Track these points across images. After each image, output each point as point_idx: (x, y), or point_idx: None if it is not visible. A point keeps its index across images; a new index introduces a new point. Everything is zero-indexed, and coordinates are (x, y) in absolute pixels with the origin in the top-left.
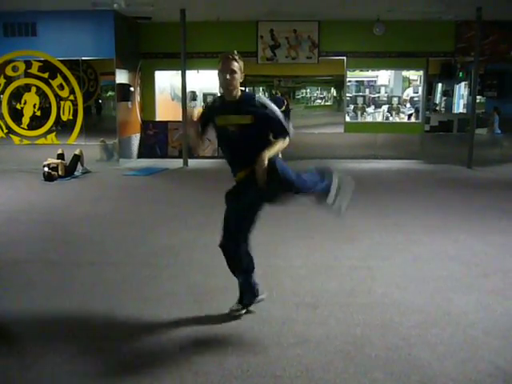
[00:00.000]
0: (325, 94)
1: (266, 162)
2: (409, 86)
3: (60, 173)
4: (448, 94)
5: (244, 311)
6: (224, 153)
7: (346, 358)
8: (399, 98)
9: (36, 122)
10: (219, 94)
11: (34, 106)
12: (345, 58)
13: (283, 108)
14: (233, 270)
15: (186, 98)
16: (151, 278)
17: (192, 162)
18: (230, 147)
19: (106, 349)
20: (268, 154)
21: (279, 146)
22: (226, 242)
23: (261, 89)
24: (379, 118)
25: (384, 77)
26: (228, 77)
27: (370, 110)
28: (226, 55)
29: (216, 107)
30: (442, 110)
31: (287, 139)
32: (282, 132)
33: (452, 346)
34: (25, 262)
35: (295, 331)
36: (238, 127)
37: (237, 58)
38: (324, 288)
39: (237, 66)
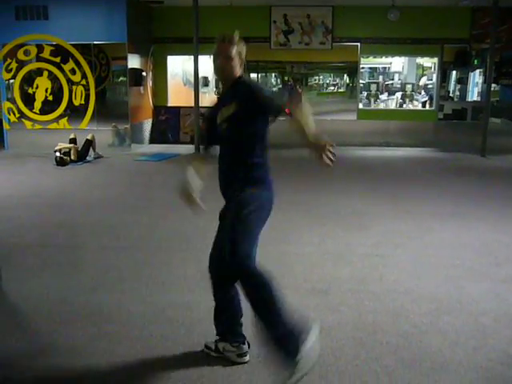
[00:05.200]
0: (338, 80)
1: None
2: (423, 74)
3: (72, 157)
4: (462, 81)
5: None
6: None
7: (357, 344)
8: (413, 85)
9: (48, 107)
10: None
11: (46, 91)
12: (359, 44)
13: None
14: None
15: (198, 83)
16: (163, 262)
17: None
18: (221, 150)
19: (117, 333)
20: (313, 134)
21: (306, 117)
22: None
23: (273, 75)
24: (392, 105)
25: (398, 63)
26: (221, 62)
27: (384, 97)
28: (221, 37)
29: (217, 102)
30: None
31: (293, 108)
32: (275, 110)
33: (463, 333)
34: (37, 245)
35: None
36: (226, 123)
37: (235, 40)
38: (336, 275)
39: (234, 50)
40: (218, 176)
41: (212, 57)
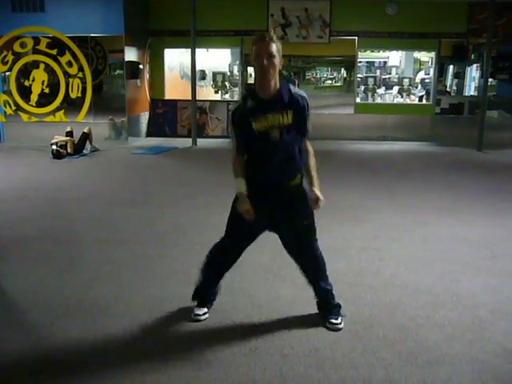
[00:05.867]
0: (335, 74)
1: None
2: (420, 69)
3: (69, 150)
4: (459, 76)
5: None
6: (255, 158)
7: (353, 337)
8: (410, 79)
9: (44, 100)
10: (246, 89)
11: (43, 83)
12: (356, 38)
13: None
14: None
15: (195, 76)
16: (160, 256)
17: (201, 142)
18: (268, 154)
19: (114, 326)
20: (317, 187)
21: (314, 163)
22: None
23: None
24: (390, 100)
25: (395, 58)
26: (266, 62)
27: (381, 91)
28: (260, 37)
29: (249, 108)
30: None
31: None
32: (305, 132)
33: (459, 326)
34: (34, 239)
35: (304, 310)
36: (279, 130)
37: (275, 38)
38: (332, 268)
39: (275, 48)
40: (262, 171)
41: (252, 59)
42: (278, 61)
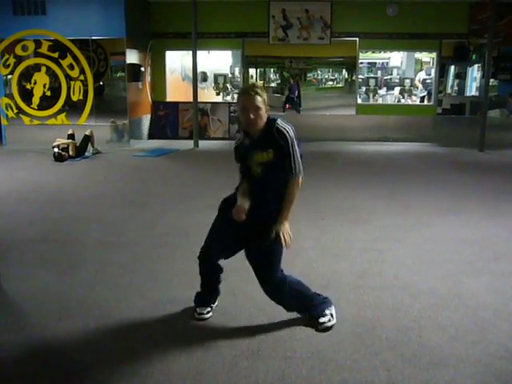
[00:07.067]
0: (336, 75)
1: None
2: (420, 70)
3: (71, 153)
4: (461, 76)
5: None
6: (244, 181)
7: (356, 339)
8: (411, 80)
9: (46, 102)
10: (243, 128)
11: (44, 86)
12: (357, 39)
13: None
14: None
15: (196, 78)
16: (162, 258)
17: (202, 144)
18: (252, 185)
19: (116, 328)
20: (286, 217)
21: (293, 197)
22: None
23: (272, 70)
24: (391, 100)
25: (396, 58)
26: (252, 116)
27: (382, 92)
28: (246, 90)
29: (245, 146)
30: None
31: (297, 181)
32: (288, 170)
33: (462, 328)
34: (36, 241)
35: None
36: (261, 166)
37: (259, 91)
38: (335, 270)
39: (260, 100)
40: (249, 194)
41: (238, 111)
42: (263, 112)
